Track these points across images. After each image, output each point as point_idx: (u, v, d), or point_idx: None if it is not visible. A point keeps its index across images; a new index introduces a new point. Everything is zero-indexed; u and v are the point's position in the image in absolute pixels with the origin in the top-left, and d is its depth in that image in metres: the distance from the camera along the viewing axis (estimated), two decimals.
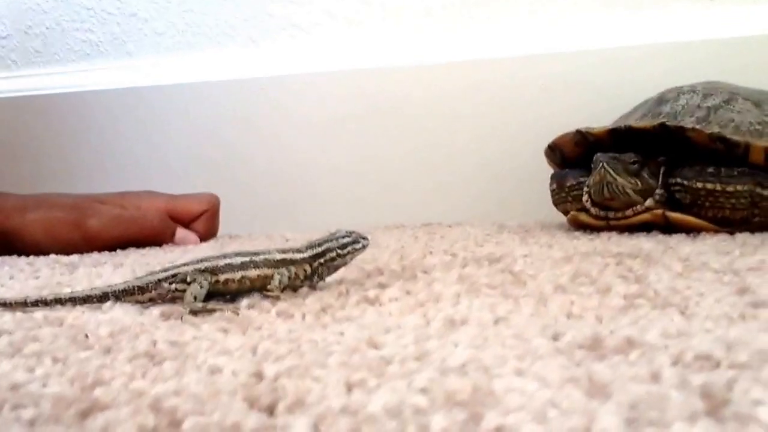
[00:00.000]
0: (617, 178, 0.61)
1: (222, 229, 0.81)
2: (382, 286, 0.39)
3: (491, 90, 0.86)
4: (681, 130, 0.61)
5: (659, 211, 0.61)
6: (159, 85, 0.90)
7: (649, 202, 0.62)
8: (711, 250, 0.49)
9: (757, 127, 0.61)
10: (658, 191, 0.62)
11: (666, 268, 0.42)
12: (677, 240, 0.56)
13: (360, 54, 0.89)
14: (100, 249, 0.70)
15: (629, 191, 0.61)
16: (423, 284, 0.39)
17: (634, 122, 0.65)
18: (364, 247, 0.41)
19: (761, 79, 0.71)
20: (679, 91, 0.67)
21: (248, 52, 0.91)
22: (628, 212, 0.62)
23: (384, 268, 0.46)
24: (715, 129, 0.61)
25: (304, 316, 0.33)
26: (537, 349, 0.24)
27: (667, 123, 0.62)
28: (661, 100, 0.67)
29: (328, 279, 0.41)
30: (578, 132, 0.67)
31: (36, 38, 0.92)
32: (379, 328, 0.29)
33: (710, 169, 0.60)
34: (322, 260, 0.39)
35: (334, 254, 0.40)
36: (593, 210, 0.64)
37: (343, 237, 0.40)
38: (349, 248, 0.40)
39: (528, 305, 0.32)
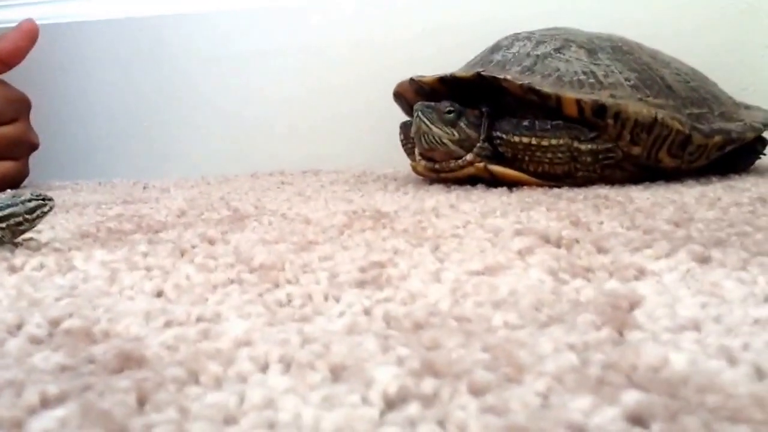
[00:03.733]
0: (432, 127, 0.59)
1: (102, 174, 0.80)
2: (57, 251, 0.38)
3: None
4: (496, 80, 0.58)
5: (481, 165, 0.59)
6: (53, 23, 0.89)
7: (469, 155, 0.59)
8: (482, 210, 0.47)
9: (581, 77, 0.58)
10: (480, 144, 0.59)
11: (377, 233, 0.40)
12: (478, 196, 0.54)
13: None
14: None
15: (446, 141, 0.59)
16: (95, 249, 0.38)
17: (458, 71, 0.62)
18: (51, 209, 0.40)
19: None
20: (515, 38, 0.64)
21: None
22: (452, 164, 0.60)
23: (120, 228, 0.45)
24: (534, 79, 0.57)
25: None
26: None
27: (482, 72, 0.59)
28: (496, 47, 0.64)
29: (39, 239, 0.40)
30: (412, 80, 0.64)
31: None
32: None
33: (525, 123, 0.57)
34: (3, 224, 0.38)
35: (20, 219, 0.38)
36: (422, 161, 0.62)
37: (30, 200, 0.39)
38: (38, 212, 0.39)
39: (134, 277, 0.31)
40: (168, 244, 0.38)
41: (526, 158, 0.58)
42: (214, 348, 0.22)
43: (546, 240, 0.36)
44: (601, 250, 0.34)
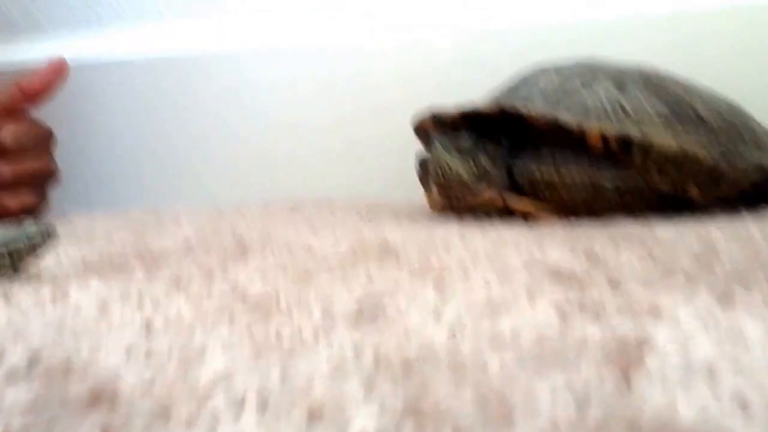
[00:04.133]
0: (449, 160, 0.57)
1: (124, 204, 0.80)
2: (55, 281, 0.37)
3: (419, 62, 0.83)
4: (518, 113, 0.57)
5: (498, 198, 0.57)
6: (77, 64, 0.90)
7: (486, 191, 0.58)
8: (494, 242, 0.45)
9: (608, 110, 0.56)
10: (497, 177, 0.57)
11: (381, 266, 0.38)
12: (492, 229, 0.52)
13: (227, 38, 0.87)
14: None
15: (464, 175, 0.58)
16: (93, 279, 0.37)
17: (480, 104, 0.60)
18: (54, 238, 0.39)
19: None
20: (541, 71, 0.62)
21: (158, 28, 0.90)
22: (469, 198, 0.59)
23: (124, 257, 0.44)
24: (559, 112, 0.56)
25: None
26: None
27: (504, 105, 0.57)
28: (521, 80, 0.63)
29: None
30: (433, 114, 0.63)
31: None
32: None
33: (546, 156, 0.56)
34: (4, 252, 0.37)
35: (20, 247, 0.38)
36: (436, 195, 0.61)
37: (32, 230, 0.38)
38: (37, 241, 0.38)
39: (124, 309, 0.30)
40: (166, 275, 0.37)
41: (546, 192, 0.56)
42: (191, 385, 0.21)
43: (557, 275, 0.34)
44: (615, 287, 0.32)
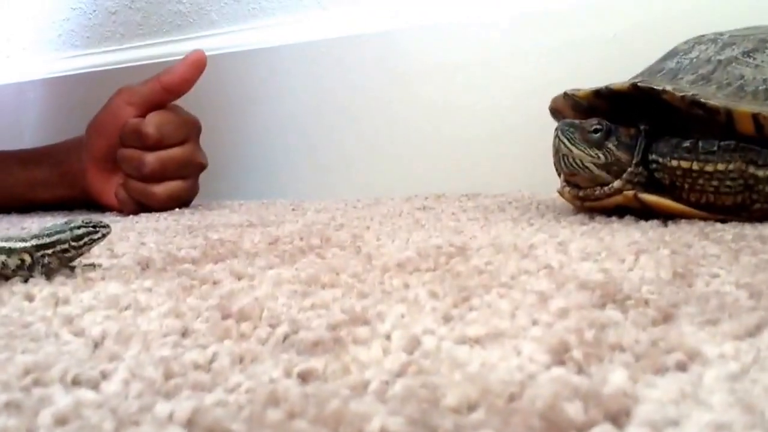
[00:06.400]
0: (572, 149, 0.50)
1: (253, 193, 0.81)
2: (88, 280, 0.36)
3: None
4: (653, 92, 0.48)
5: (630, 193, 0.49)
6: (242, 50, 0.92)
7: (617, 182, 0.50)
8: (590, 250, 0.38)
9: None
10: (631, 168, 0.49)
11: (421, 278, 0.33)
12: (611, 231, 0.44)
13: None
14: None
15: (589, 165, 0.50)
16: (117, 281, 0.36)
17: (617, 82, 0.52)
18: (103, 236, 0.38)
19: None
20: (697, 41, 0.53)
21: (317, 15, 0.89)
22: (597, 192, 0.51)
23: (186, 256, 0.43)
24: (707, 90, 0.47)
25: None
26: None
27: (639, 83, 0.49)
28: (672, 53, 0.53)
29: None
30: (566, 95, 0.55)
31: (138, 12, 0.98)
32: None
33: (686, 143, 0.47)
34: (49, 251, 0.37)
35: (66, 246, 0.37)
36: (567, 188, 0.54)
37: (78, 228, 0.38)
38: (85, 239, 0.38)
39: (96, 318, 0.28)
40: (180, 282, 0.34)
41: (686, 186, 0.47)
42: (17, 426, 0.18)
43: (609, 301, 0.27)
44: (665, 319, 0.25)
